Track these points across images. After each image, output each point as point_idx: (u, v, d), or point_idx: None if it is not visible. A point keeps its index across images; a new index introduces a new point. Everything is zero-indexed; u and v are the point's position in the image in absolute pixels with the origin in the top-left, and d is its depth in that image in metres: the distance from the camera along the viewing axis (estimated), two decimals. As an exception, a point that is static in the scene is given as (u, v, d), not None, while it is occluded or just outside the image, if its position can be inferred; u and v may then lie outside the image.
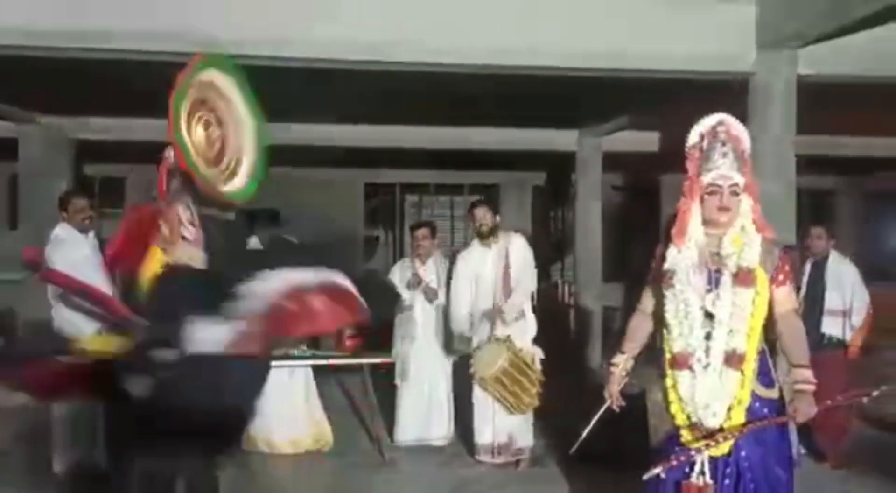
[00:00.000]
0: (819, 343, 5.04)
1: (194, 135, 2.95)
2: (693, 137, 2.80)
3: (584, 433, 2.96)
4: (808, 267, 5.20)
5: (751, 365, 2.68)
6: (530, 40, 5.14)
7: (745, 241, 2.72)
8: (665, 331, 2.81)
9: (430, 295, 5.50)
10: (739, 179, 2.72)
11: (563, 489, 4.61)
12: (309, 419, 5.37)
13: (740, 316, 2.67)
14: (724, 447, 2.66)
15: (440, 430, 5.52)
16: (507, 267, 5.03)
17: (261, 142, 3.04)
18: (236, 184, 3.03)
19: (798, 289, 5.20)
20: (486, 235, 5.08)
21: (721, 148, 2.73)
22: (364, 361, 5.38)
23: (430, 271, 5.59)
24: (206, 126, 2.99)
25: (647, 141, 8.73)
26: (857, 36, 5.09)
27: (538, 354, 4.99)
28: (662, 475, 2.66)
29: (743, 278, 2.68)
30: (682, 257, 2.77)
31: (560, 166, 10.23)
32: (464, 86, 6.18)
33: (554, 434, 5.21)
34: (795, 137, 5.38)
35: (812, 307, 5.12)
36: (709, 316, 2.70)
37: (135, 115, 8.33)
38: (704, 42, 5.21)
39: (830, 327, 5.05)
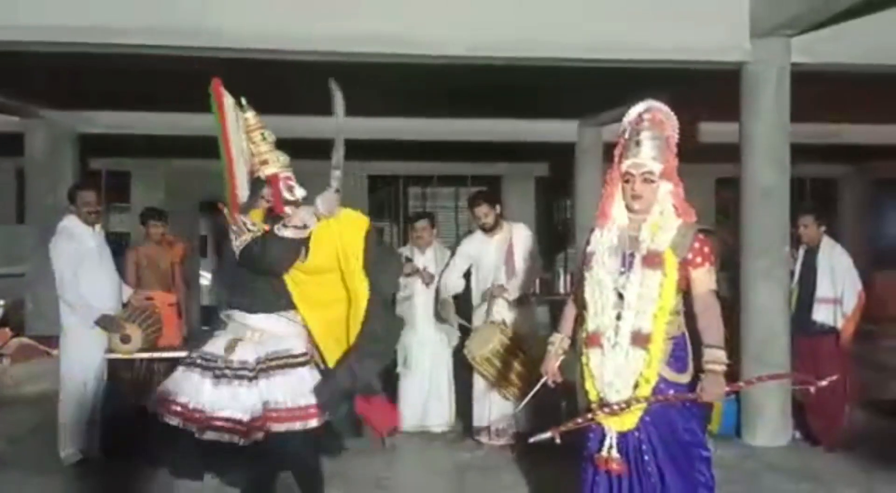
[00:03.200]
0: (811, 330, 5.11)
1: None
2: (622, 125, 2.90)
3: (520, 407, 3.11)
4: (800, 254, 5.25)
5: (658, 345, 2.76)
6: (528, 32, 5.18)
7: (661, 225, 2.80)
8: (584, 311, 2.92)
9: (426, 278, 5.58)
10: (654, 166, 2.80)
11: (559, 470, 4.68)
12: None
13: (648, 297, 2.76)
14: (628, 422, 2.77)
15: (440, 417, 5.61)
16: (510, 254, 5.12)
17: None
18: None
19: (791, 275, 5.27)
20: (489, 230, 5.18)
21: (636, 137, 2.81)
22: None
23: (430, 261, 5.68)
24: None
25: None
26: (850, 24, 5.12)
27: (538, 339, 5.05)
28: (557, 440, 2.83)
29: (650, 260, 2.77)
30: (602, 239, 2.88)
31: (562, 157, 10.27)
32: (465, 77, 6.23)
33: (551, 419, 5.28)
34: (796, 126, 5.41)
35: (804, 295, 5.17)
36: (621, 297, 2.80)
37: (140, 109, 8.44)
38: (697, 31, 5.24)
39: (821, 314, 5.08)
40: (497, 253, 5.16)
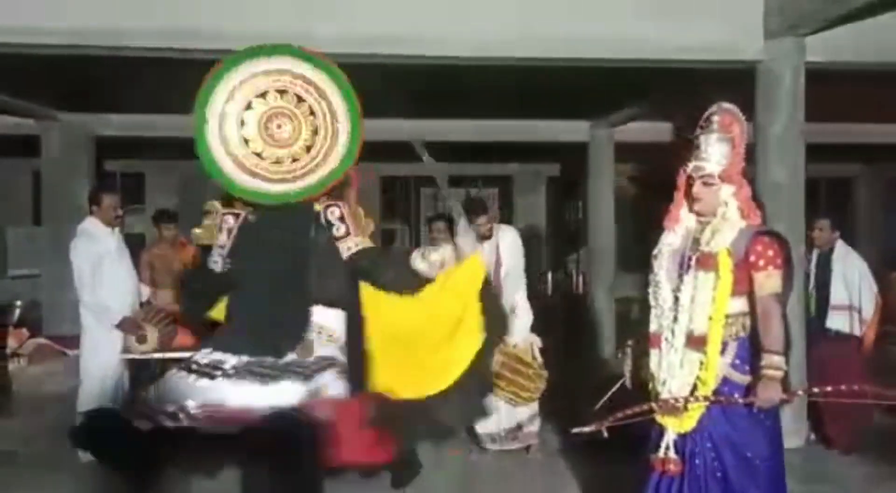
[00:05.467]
0: (826, 335, 5.05)
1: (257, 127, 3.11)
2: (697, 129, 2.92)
3: (598, 405, 3.10)
4: (813, 258, 5.20)
5: (715, 348, 2.74)
6: (538, 31, 5.17)
7: (719, 227, 2.80)
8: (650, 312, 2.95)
9: None
10: (713, 168, 2.80)
11: (572, 475, 4.68)
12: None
13: (701, 299, 2.76)
14: (686, 423, 2.76)
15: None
16: (497, 261, 5.01)
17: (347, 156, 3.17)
18: (296, 185, 3.18)
19: (806, 277, 5.22)
20: (487, 236, 5.08)
21: (699, 140, 2.83)
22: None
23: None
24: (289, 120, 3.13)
25: (660, 131, 8.73)
26: (865, 23, 5.08)
27: (536, 343, 4.96)
28: (605, 434, 2.79)
29: (703, 262, 2.78)
30: (666, 242, 2.92)
31: (574, 157, 10.25)
32: (476, 78, 6.23)
33: (563, 422, 5.26)
34: (811, 125, 5.37)
35: (821, 300, 5.11)
36: (678, 299, 2.82)
37: (154, 111, 8.50)
38: (711, 30, 5.22)
39: (836, 322, 5.02)
40: (487, 262, 5.04)
